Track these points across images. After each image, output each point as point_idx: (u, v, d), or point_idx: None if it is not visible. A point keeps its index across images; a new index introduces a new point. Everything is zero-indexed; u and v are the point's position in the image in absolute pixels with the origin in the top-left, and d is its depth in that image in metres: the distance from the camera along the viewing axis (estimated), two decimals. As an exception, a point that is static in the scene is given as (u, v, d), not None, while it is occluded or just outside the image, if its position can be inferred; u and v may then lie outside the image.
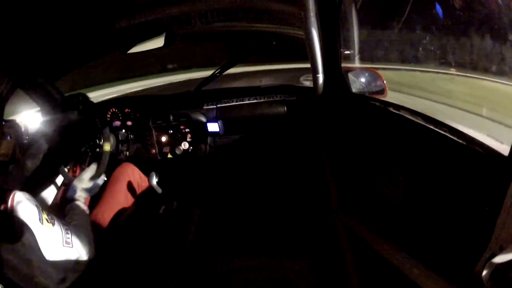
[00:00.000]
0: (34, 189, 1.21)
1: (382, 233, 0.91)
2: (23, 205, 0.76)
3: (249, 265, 1.57)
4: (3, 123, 0.97)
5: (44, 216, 0.80)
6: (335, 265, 1.49)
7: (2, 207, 0.73)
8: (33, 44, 1.18)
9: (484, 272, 0.50)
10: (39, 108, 1.55)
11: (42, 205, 0.86)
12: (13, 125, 0.98)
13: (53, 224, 0.82)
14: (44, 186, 1.36)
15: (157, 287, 1.22)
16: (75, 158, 1.43)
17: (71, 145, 1.42)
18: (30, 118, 1.58)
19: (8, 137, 0.94)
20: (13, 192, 0.77)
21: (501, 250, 0.49)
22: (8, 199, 0.75)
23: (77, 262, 0.85)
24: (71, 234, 0.86)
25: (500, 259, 0.48)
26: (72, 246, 0.84)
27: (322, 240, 1.69)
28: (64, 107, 1.44)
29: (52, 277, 0.77)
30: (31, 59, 1.26)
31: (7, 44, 1.08)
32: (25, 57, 1.21)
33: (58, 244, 0.80)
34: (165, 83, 3.42)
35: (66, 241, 0.82)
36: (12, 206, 0.74)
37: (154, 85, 3.37)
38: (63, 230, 0.84)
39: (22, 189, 1.12)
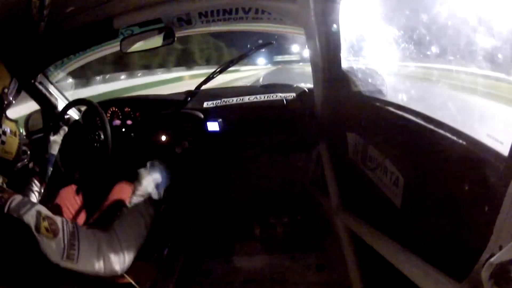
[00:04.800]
0: (40, 191, 1.19)
1: (381, 233, 0.91)
2: (19, 211, 0.71)
3: (249, 265, 1.58)
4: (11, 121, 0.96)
5: (44, 224, 0.73)
6: (335, 264, 1.49)
7: None
8: (35, 44, 1.18)
9: (484, 272, 0.50)
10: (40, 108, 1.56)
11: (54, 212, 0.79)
12: (17, 124, 0.97)
13: (55, 235, 0.73)
14: (49, 188, 1.36)
15: (157, 286, 1.22)
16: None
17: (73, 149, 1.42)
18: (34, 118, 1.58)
19: (9, 132, 0.92)
20: (12, 197, 0.74)
21: (501, 249, 0.49)
22: (6, 203, 0.71)
23: (77, 277, 0.77)
24: (78, 250, 0.76)
25: (499, 258, 0.48)
26: (77, 262, 0.75)
27: (322, 240, 1.69)
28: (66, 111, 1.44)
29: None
30: (33, 59, 1.26)
31: (10, 44, 1.08)
32: (27, 56, 1.21)
33: (55, 258, 0.72)
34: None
35: (67, 256, 0.74)
36: (8, 208, 0.70)
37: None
38: (66, 243, 0.74)
39: (24, 192, 1.11)
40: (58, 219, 0.77)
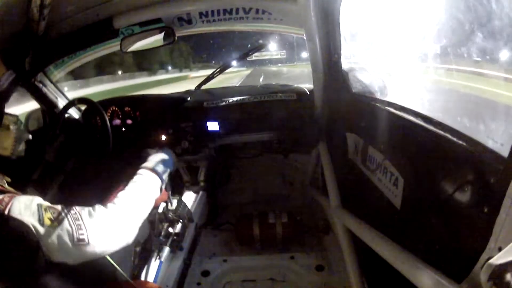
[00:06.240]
0: (35, 188, 1.20)
1: (381, 233, 0.91)
2: (20, 208, 0.72)
3: (249, 265, 1.58)
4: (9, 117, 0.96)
5: (47, 215, 0.73)
6: (334, 264, 1.49)
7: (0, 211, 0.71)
8: (36, 43, 1.18)
9: (483, 273, 0.50)
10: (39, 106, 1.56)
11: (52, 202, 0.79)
12: (15, 119, 0.97)
13: (59, 223, 0.74)
14: (45, 185, 1.36)
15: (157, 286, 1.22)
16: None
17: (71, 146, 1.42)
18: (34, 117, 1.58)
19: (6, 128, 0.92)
20: (12, 199, 0.73)
21: (500, 251, 0.49)
22: (7, 207, 0.71)
23: (90, 258, 0.78)
24: (86, 229, 0.76)
25: (498, 260, 0.48)
26: (89, 242, 0.75)
27: (322, 240, 1.69)
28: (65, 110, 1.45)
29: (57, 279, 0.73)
30: (33, 57, 1.26)
31: (11, 42, 1.09)
32: (27, 55, 1.21)
33: (66, 244, 0.73)
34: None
35: (78, 238, 0.74)
36: (8, 210, 0.70)
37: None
38: (73, 226, 0.74)
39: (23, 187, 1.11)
40: (58, 207, 0.77)
